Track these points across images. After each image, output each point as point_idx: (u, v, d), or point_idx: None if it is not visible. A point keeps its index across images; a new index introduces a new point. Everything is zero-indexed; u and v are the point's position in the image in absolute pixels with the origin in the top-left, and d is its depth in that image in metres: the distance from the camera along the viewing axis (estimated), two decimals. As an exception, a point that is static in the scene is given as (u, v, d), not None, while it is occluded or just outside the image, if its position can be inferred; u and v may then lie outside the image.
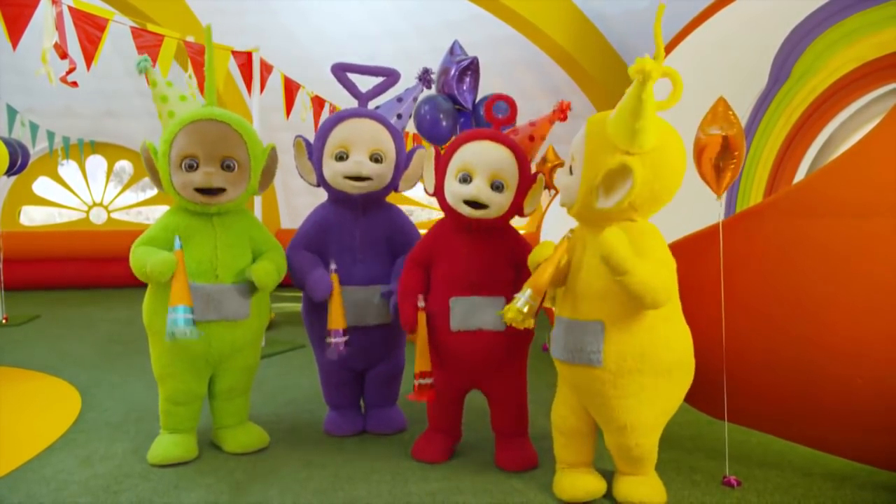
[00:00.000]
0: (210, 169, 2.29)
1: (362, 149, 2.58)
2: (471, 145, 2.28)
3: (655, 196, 1.92)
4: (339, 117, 2.62)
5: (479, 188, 2.21)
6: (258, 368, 2.67)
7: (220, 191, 2.34)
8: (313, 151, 2.68)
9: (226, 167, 2.34)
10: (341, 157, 2.58)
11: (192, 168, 2.30)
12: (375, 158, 2.60)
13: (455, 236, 2.35)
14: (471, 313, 2.28)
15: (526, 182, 2.30)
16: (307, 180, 2.75)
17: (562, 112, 2.35)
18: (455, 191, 2.27)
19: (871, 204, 1.93)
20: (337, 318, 2.50)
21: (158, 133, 2.40)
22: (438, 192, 2.38)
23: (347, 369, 2.74)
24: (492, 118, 2.47)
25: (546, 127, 2.42)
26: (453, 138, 2.40)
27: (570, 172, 2.02)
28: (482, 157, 2.24)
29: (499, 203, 2.25)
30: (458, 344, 2.31)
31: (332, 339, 2.49)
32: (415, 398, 2.30)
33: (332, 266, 2.56)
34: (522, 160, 2.29)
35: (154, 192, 8.88)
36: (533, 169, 2.41)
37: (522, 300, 1.96)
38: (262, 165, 2.49)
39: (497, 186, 2.24)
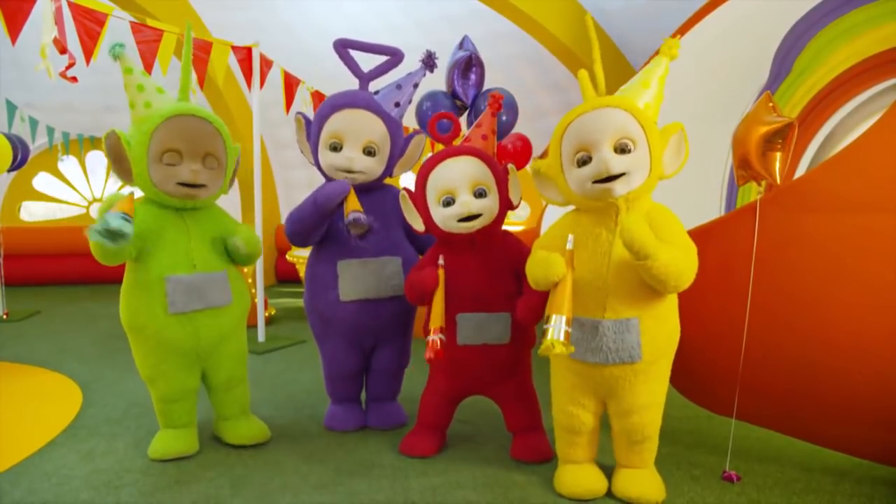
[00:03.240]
0: (195, 165, 2.29)
1: (356, 142, 2.56)
2: (438, 169, 2.30)
3: None
4: (335, 105, 2.57)
5: (465, 203, 2.24)
6: (258, 363, 2.67)
7: (202, 186, 2.33)
8: (311, 136, 2.65)
9: (207, 164, 2.34)
10: (335, 148, 2.57)
11: (174, 162, 2.27)
12: (369, 151, 2.59)
13: (458, 256, 2.35)
14: (477, 329, 2.30)
15: (502, 178, 2.33)
16: (307, 158, 2.74)
17: (496, 103, 2.46)
18: (443, 215, 2.29)
19: (871, 199, 1.93)
20: (356, 203, 2.46)
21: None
22: (429, 225, 2.37)
23: (356, 348, 2.72)
24: (437, 136, 2.49)
25: (492, 122, 2.49)
26: (419, 170, 2.41)
27: (627, 151, 1.93)
28: (454, 174, 2.27)
29: (489, 207, 2.28)
30: (465, 357, 2.34)
31: (352, 215, 2.38)
32: (429, 354, 2.17)
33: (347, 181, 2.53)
34: (489, 161, 2.33)
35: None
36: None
37: (559, 331, 1.85)
38: (233, 164, 2.47)
39: (480, 194, 2.28)
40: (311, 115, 5.47)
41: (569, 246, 2.00)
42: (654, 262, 1.81)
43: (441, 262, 2.30)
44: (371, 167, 2.60)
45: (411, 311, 2.79)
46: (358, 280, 2.57)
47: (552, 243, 2.07)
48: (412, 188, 2.42)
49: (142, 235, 2.26)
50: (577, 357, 2.03)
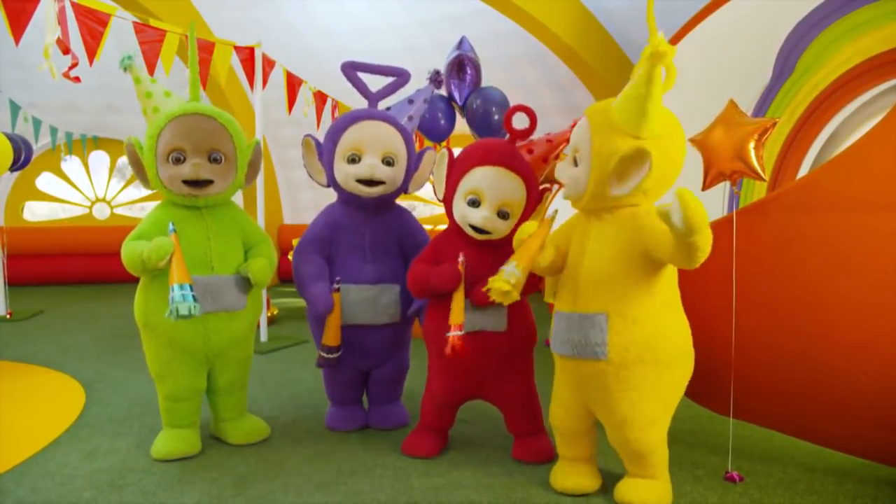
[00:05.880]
0: (198, 161, 2.31)
1: (375, 152, 2.55)
2: (483, 170, 2.26)
3: (665, 179, 1.93)
4: (352, 118, 2.59)
5: (485, 218, 2.25)
6: (261, 363, 2.67)
7: (208, 182, 2.35)
8: (324, 152, 2.64)
9: (213, 160, 2.35)
10: (353, 160, 2.55)
11: (179, 161, 2.31)
12: (388, 162, 2.58)
13: (460, 244, 2.36)
14: (474, 316, 2.29)
15: (531, 205, 2.33)
16: (316, 180, 2.72)
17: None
18: (463, 213, 2.30)
19: (874, 199, 1.93)
20: (333, 335, 2.51)
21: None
22: (447, 203, 2.39)
23: (353, 369, 2.74)
24: (511, 129, 2.41)
25: (562, 146, 2.48)
26: (467, 149, 2.38)
27: (575, 164, 2.00)
28: (493, 185, 2.25)
29: (502, 230, 2.29)
30: (464, 345, 2.31)
31: (324, 354, 2.51)
32: (449, 351, 2.15)
33: (336, 285, 2.54)
34: (531, 186, 2.31)
35: (157, 187, 8.88)
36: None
37: (508, 271, 2.00)
38: (247, 159, 2.48)
39: (503, 215, 2.28)
40: (313, 114, 5.51)
41: (548, 215, 2.14)
42: (701, 237, 1.67)
43: (462, 258, 2.27)
44: (392, 176, 2.59)
45: (406, 333, 2.80)
46: (354, 306, 2.57)
47: (554, 236, 2.15)
48: (438, 188, 2.45)
49: (167, 235, 2.29)
50: (554, 349, 2.12)
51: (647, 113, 1.78)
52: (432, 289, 2.32)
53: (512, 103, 4.42)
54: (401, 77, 2.81)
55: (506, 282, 1.98)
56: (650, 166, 1.82)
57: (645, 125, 1.81)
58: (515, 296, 2.01)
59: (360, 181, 2.54)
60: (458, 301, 2.23)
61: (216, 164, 2.36)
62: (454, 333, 2.16)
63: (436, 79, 2.97)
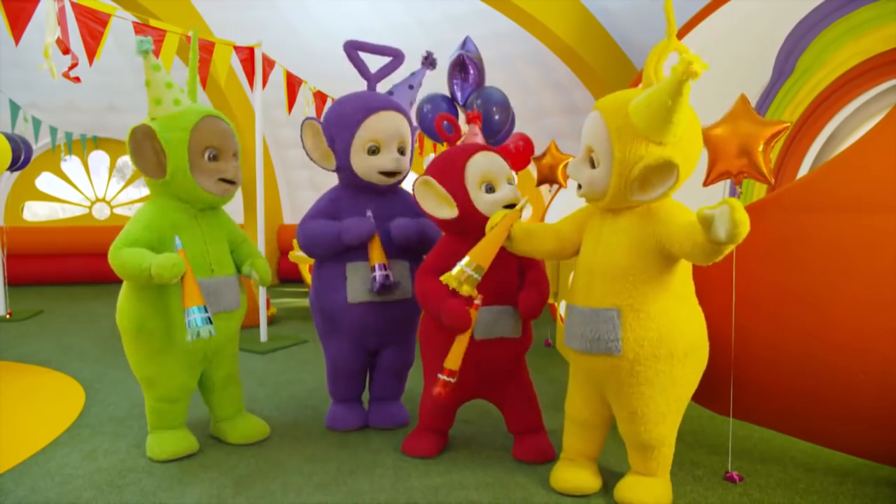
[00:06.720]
0: (235, 163, 2.45)
1: (392, 143, 2.63)
2: (479, 157, 2.33)
3: (683, 178, 1.90)
4: (368, 108, 2.61)
5: (511, 189, 2.33)
6: (261, 363, 2.68)
7: (236, 183, 2.47)
8: (336, 139, 2.62)
9: (236, 162, 2.49)
10: (373, 151, 2.60)
11: (213, 158, 2.37)
12: (401, 151, 2.68)
13: (468, 248, 2.29)
14: (493, 322, 2.29)
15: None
16: (320, 164, 2.70)
17: (476, 118, 2.67)
18: (489, 200, 2.28)
19: (874, 199, 1.93)
20: (379, 256, 2.55)
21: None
22: (466, 211, 2.30)
23: (361, 348, 2.73)
24: (445, 136, 2.56)
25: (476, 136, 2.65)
26: (446, 155, 2.43)
27: (592, 165, 1.95)
28: (495, 165, 2.34)
29: (521, 197, 2.37)
30: (481, 352, 2.29)
31: (377, 273, 2.52)
32: (434, 393, 2.17)
33: (369, 213, 2.60)
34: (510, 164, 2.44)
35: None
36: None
37: (458, 267, 2.07)
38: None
39: (513, 185, 2.39)
40: (313, 114, 5.52)
41: (521, 202, 2.26)
42: (733, 246, 1.64)
43: (478, 301, 2.21)
44: (406, 164, 2.71)
45: (416, 314, 2.80)
46: (366, 283, 2.59)
47: (562, 223, 2.20)
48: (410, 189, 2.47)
49: (163, 240, 2.30)
50: (567, 344, 2.12)
51: (672, 122, 1.75)
52: (441, 321, 2.26)
53: (512, 103, 4.43)
54: (396, 58, 2.89)
55: (453, 278, 2.06)
56: (677, 177, 1.80)
57: (670, 133, 1.78)
58: (465, 290, 2.07)
59: (381, 173, 2.61)
60: (461, 345, 2.20)
61: (237, 168, 2.49)
62: (445, 378, 2.15)
63: (429, 61, 3.01)
